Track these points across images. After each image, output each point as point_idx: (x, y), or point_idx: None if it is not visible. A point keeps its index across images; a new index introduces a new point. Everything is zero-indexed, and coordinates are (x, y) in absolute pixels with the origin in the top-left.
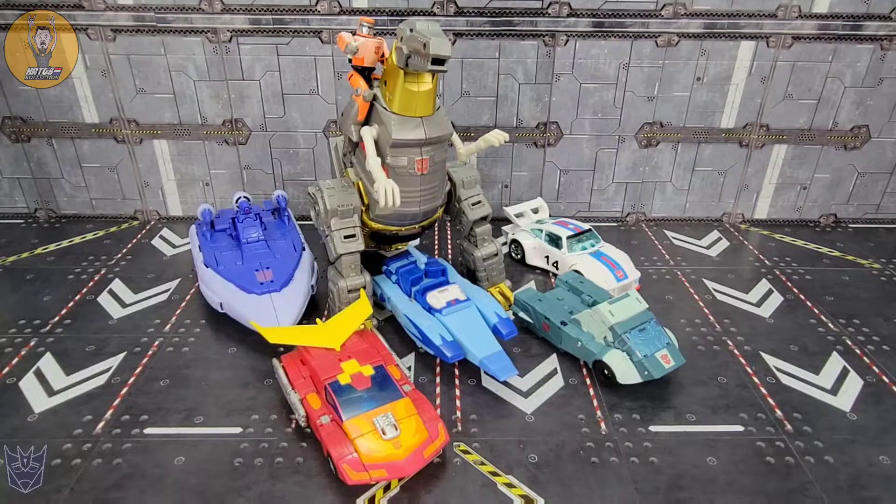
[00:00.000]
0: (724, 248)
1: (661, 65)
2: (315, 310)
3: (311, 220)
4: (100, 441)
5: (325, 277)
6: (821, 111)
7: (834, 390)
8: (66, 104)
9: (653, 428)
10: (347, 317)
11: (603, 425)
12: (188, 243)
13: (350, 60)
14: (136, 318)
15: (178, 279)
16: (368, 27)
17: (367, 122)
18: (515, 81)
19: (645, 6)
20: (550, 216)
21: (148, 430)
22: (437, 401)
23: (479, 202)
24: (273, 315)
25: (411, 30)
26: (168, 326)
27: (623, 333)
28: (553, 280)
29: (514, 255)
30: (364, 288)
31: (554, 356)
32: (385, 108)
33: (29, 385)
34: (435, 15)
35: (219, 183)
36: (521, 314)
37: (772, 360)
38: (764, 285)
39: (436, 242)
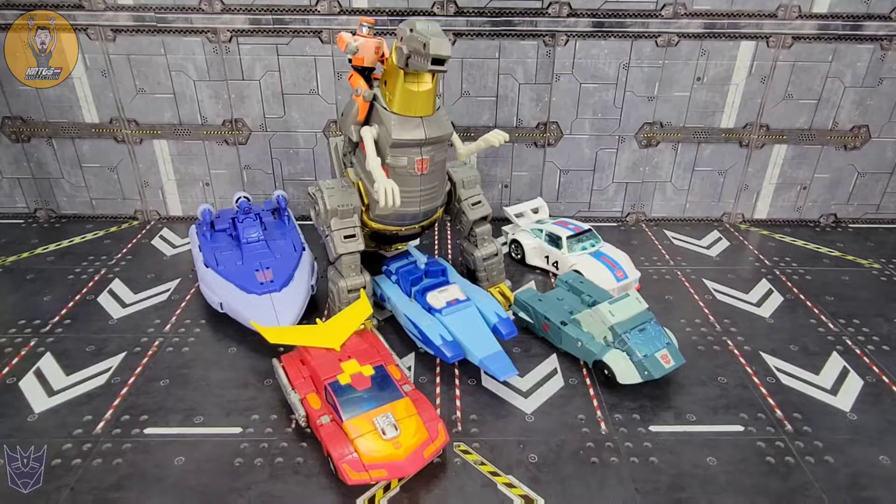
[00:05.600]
0: (724, 248)
1: (661, 65)
2: (315, 310)
3: (311, 220)
4: (100, 441)
5: (325, 277)
6: (821, 111)
7: (834, 390)
8: (66, 104)
9: (653, 428)
10: (347, 317)
11: (603, 425)
12: (188, 243)
13: (350, 60)
14: (136, 318)
15: (178, 279)
16: (368, 27)
17: (367, 122)
18: (515, 81)
19: (645, 6)
20: (550, 216)
21: (148, 430)
22: (437, 401)
23: (479, 202)
24: (273, 315)
25: (411, 30)
26: (168, 326)
27: (623, 333)
28: (553, 280)
29: (514, 255)
30: (364, 288)
31: (554, 356)
32: (385, 108)
33: (29, 385)
34: (435, 15)
35: (219, 183)
36: (521, 314)
37: (772, 360)
38: (764, 285)
39: (436, 242)
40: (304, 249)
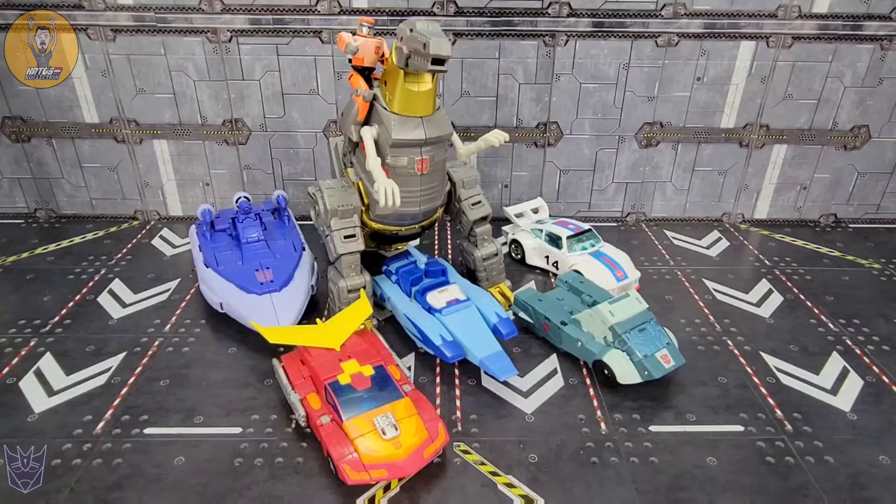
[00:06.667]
0: (724, 248)
1: (661, 65)
2: (315, 310)
3: (311, 220)
4: (100, 441)
5: (325, 277)
6: (821, 111)
7: (834, 390)
8: (66, 104)
9: (653, 428)
10: (347, 317)
11: (603, 425)
12: (188, 243)
13: (350, 60)
14: (136, 318)
15: (178, 279)
16: (368, 27)
17: (367, 122)
18: (515, 81)
19: (645, 6)
20: (550, 216)
21: (148, 430)
22: (437, 401)
23: (479, 202)
24: (273, 315)
25: (411, 30)
26: (168, 326)
27: (623, 333)
28: (553, 280)
29: (514, 255)
30: (364, 288)
31: (554, 356)
32: (385, 108)
33: (29, 385)
34: (435, 15)
35: (219, 183)
36: (521, 314)
37: (772, 360)
38: (764, 285)
39: (436, 242)
40: (304, 249)
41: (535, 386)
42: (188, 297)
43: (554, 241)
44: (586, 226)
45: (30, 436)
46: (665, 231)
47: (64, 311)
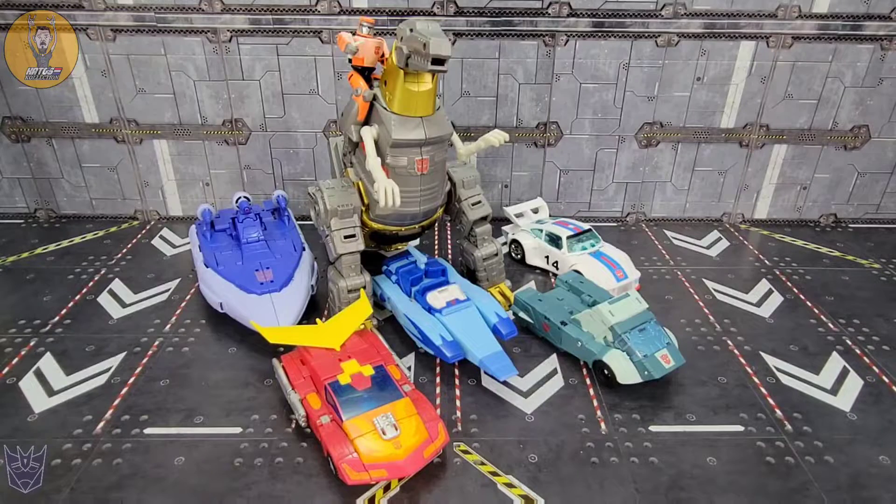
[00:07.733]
0: (724, 248)
1: (661, 65)
2: (315, 310)
3: (311, 220)
4: (100, 441)
5: (325, 277)
6: (821, 111)
7: (834, 390)
8: (66, 104)
9: (653, 428)
10: (347, 317)
11: (603, 425)
12: (188, 243)
13: (350, 60)
14: (136, 318)
15: (178, 279)
16: (368, 27)
17: (367, 122)
18: (515, 81)
19: (645, 6)
20: (550, 216)
21: (148, 430)
22: (437, 401)
23: (479, 202)
24: (273, 315)
25: (411, 30)
26: (168, 326)
27: (623, 333)
28: (553, 280)
29: (514, 255)
30: (364, 288)
31: (554, 356)
32: (385, 108)
33: (29, 385)
34: (435, 15)
35: (219, 183)
36: (521, 314)
37: (772, 360)
38: (764, 285)
39: (436, 242)
40: (304, 249)
41: (535, 386)
42: (188, 297)
43: (554, 241)
44: (586, 226)
45: (30, 436)
46: (665, 231)
47: (64, 311)
